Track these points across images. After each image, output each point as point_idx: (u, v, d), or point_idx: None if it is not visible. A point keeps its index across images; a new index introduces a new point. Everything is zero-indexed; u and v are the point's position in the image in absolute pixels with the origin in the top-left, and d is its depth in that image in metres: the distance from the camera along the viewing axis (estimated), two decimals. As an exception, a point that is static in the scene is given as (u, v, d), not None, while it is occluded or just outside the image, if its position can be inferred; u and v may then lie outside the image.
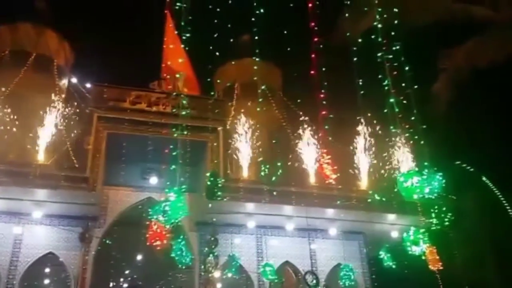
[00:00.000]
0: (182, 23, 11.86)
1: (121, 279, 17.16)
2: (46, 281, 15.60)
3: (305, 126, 16.65)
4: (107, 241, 14.61)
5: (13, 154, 14.09)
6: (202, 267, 14.51)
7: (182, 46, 14.56)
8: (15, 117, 14.43)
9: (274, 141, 16.98)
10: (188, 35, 12.17)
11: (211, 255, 14.20)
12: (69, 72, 18.38)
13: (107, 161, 14.34)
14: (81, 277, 13.62)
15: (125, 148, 14.31)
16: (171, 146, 14.51)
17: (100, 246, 14.54)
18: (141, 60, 20.52)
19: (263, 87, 15.86)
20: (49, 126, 14.01)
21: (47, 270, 15.01)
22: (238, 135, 16.24)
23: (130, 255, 14.90)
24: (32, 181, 12.70)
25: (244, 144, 16.09)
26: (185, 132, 14.67)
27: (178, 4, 11.92)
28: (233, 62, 19.20)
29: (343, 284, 14.70)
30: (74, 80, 17.82)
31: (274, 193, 14.50)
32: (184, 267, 13.59)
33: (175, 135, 14.68)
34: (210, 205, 13.87)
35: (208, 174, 14.10)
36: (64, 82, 17.82)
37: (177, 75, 15.83)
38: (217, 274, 14.43)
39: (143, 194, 15.11)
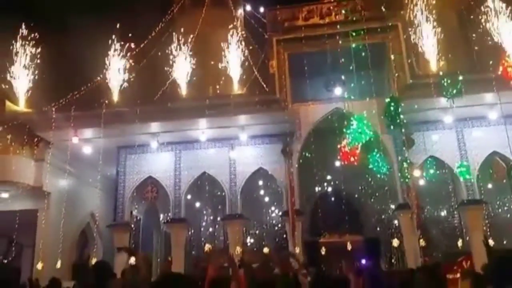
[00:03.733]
0: None
1: (325, 184, 18.44)
2: (261, 192, 17.85)
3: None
4: (306, 153, 15.75)
5: (212, 89, 15.97)
6: (399, 174, 14.63)
7: None
8: (204, 55, 16.05)
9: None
10: None
11: (404, 163, 14.14)
12: (242, 1, 19.23)
13: (292, 80, 15.12)
14: (289, 186, 15.15)
15: (306, 64, 14.75)
16: (350, 54, 14.55)
17: (301, 157, 15.82)
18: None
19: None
20: (236, 58, 15.23)
21: (260, 182, 17.08)
22: (420, 25, 15.05)
23: (329, 161, 15.79)
24: (233, 110, 14.30)
25: (428, 33, 14.88)
26: (362, 36, 14.44)
27: None
28: None
29: None
30: (248, 8, 18.62)
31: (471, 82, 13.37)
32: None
33: (353, 41, 14.59)
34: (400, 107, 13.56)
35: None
36: (240, 12, 18.81)
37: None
38: (417, 173, 14.40)
39: (330, 106, 15.56)
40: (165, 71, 15.47)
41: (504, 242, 15.65)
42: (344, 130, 13.15)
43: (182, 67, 15.27)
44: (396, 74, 14.52)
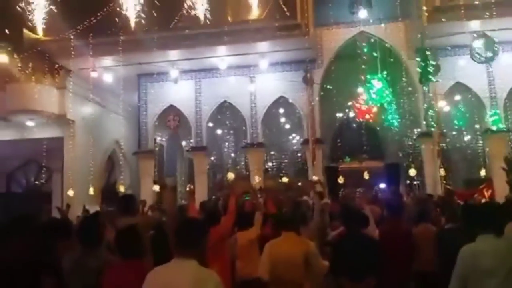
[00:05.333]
0: None
1: (346, 110, 18.24)
2: (282, 120, 17.80)
3: None
4: (328, 80, 15.43)
5: (231, 15, 15.40)
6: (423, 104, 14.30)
7: None
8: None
9: None
10: None
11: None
12: None
13: (314, 3, 14.41)
14: (310, 115, 15.03)
15: (329, -15, 13.99)
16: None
17: (322, 84, 15.50)
18: None
19: None
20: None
21: (281, 110, 16.97)
22: None
23: (351, 88, 15.45)
24: (252, 36, 13.87)
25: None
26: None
27: None
28: None
29: None
30: None
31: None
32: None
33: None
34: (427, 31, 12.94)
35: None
36: None
37: None
38: (442, 103, 14.09)
39: (355, 29, 14.89)
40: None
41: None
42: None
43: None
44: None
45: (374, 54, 14.85)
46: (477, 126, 15.77)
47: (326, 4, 14.67)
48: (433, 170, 14.32)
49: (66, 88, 15.58)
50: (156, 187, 15.91)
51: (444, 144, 15.45)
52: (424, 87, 14.40)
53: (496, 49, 13.26)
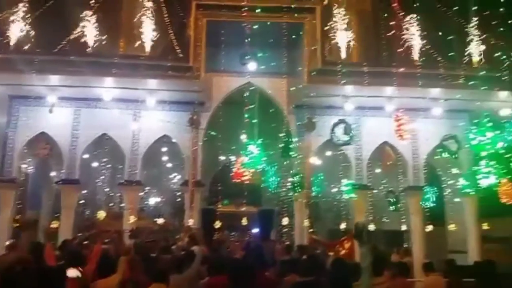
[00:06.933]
0: None
1: (229, 155, 18.65)
2: (163, 159, 17.53)
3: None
4: (213, 125, 15.72)
5: (121, 47, 15.06)
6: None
7: None
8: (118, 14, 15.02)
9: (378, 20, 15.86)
10: None
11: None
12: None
13: (208, 49, 14.79)
14: (193, 156, 15.10)
15: (224, 34, 14.51)
16: (268, 30, 14.62)
17: (208, 128, 15.74)
18: None
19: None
20: (151, 19, 14.49)
21: (163, 150, 16.72)
22: (337, 13, 15.52)
23: (235, 134, 15.93)
24: (142, 73, 13.68)
25: (342, 23, 15.40)
26: (281, 14, 14.57)
27: None
28: None
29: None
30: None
31: (374, 74, 14.25)
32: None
33: (271, 18, 14.64)
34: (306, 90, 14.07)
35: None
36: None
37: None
38: (313, 160, 15.20)
39: (243, 79, 15.56)
40: (73, 21, 14.22)
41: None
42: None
43: (91, 19, 14.14)
44: (308, 57, 14.85)
45: (259, 105, 15.68)
46: (345, 181, 17.18)
47: (219, 51, 15.18)
48: (301, 219, 15.17)
49: None
50: (15, 223, 14.33)
51: (313, 193, 16.36)
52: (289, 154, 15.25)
53: (352, 134, 14.81)
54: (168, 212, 18.18)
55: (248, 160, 13.59)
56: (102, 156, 16.91)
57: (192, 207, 14.79)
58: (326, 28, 15.03)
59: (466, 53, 14.92)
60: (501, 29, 14.65)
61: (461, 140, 15.23)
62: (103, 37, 14.08)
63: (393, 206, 16.70)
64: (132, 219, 14.58)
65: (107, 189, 18.09)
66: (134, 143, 15.36)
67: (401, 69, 14.31)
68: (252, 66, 15.06)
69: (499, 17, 14.60)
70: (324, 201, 18.00)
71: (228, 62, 15.37)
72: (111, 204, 18.28)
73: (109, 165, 17.59)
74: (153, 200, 18.66)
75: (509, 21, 14.42)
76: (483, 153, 14.73)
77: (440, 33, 15.16)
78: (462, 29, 15.09)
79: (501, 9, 14.17)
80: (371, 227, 15.02)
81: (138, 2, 14.96)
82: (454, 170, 16.41)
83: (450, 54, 14.97)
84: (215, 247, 13.74)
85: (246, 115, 14.42)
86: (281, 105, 15.94)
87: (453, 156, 15.51)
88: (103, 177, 18.14)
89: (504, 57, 14.27)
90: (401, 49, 15.02)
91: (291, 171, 15.44)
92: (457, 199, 16.59)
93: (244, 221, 16.14)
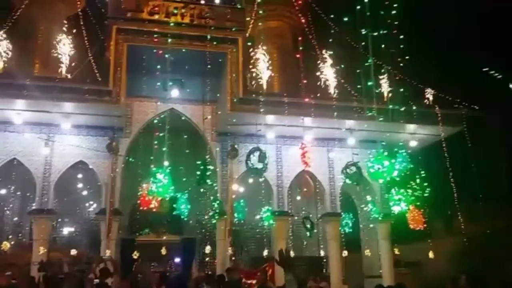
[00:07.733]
0: None
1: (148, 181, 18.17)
2: (79, 186, 16.69)
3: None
4: (133, 151, 15.30)
5: (38, 69, 14.37)
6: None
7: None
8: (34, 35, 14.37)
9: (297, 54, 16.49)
10: None
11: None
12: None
13: (129, 74, 14.50)
14: (111, 184, 14.52)
15: (145, 60, 14.36)
16: (192, 57, 14.67)
17: (127, 154, 15.29)
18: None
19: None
20: (71, 41, 14.05)
21: (79, 176, 15.95)
22: (259, 46, 16.03)
23: (157, 161, 15.62)
24: (57, 96, 13.11)
25: (263, 54, 15.92)
26: (204, 43, 14.71)
27: None
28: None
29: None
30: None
31: (293, 105, 14.77)
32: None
33: (195, 46, 14.74)
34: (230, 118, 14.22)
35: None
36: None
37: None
38: (235, 187, 15.24)
39: (166, 106, 15.41)
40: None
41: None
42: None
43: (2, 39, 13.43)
44: (230, 86, 15.06)
45: (181, 131, 15.58)
46: (265, 208, 17.35)
47: (141, 76, 14.91)
48: (224, 247, 15.04)
49: None
50: None
51: (236, 220, 16.32)
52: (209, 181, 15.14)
53: (266, 162, 14.95)
54: (83, 243, 17.22)
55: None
56: (11, 183, 15.79)
57: (109, 237, 14.14)
58: (248, 58, 15.44)
59: (377, 88, 15.90)
60: (402, 65, 15.84)
61: (362, 168, 15.72)
62: (15, 59, 13.34)
63: (309, 232, 17.00)
64: (42, 250, 13.64)
65: (16, 218, 16.84)
66: (46, 169, 14.53)
67: (318, 101, 14.98)
68: (175, 92, 14.96)
69: (405, 54, 15.78)
70: (246, 228, 18.04)
71: (151, 88, 15.11)
72: (20, 235, 17.01)
73: (18, 193, 16.43)
74: (66, 230, 17.61)
75: (407, 57, 15.63)
76: (381, 181, 15.56)
77: (353, 68, 16.09)
78: (375, 64, 16.15)
79: (403, 47, 15.26)
80: (291, 253, 15.20)
81: (56, 24, 14.47)
82: (368, 197, 17.18)
83: (358, 87, 15.86)
84: (133, 279, 13.22)
85: (166, 142, 14.20)
86: (205, 132, 15.93)
87: (355, 183, 16.06)
88: (11, 205, 16.89)
89: (407, 93, 15.48)
90: (319, 82, 15.74)
91: (211, 198, 15.36)
92: (371, 225, 17.33)
93: (163, 251, 15.65)
